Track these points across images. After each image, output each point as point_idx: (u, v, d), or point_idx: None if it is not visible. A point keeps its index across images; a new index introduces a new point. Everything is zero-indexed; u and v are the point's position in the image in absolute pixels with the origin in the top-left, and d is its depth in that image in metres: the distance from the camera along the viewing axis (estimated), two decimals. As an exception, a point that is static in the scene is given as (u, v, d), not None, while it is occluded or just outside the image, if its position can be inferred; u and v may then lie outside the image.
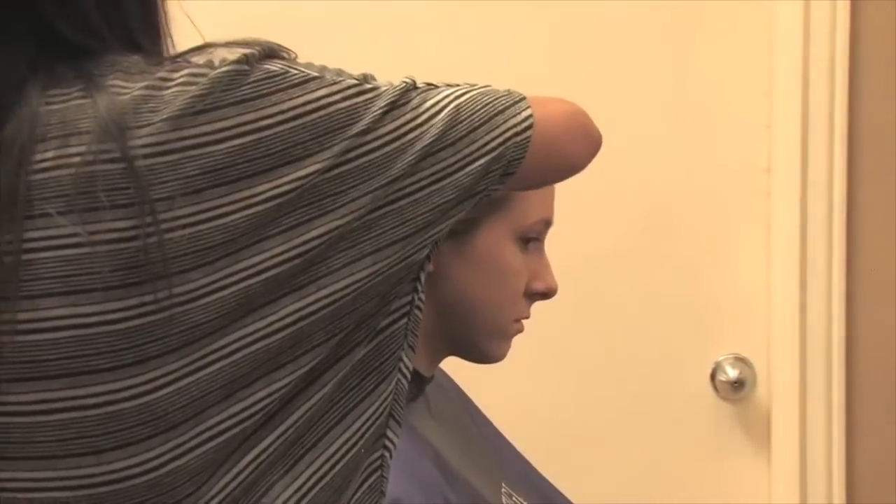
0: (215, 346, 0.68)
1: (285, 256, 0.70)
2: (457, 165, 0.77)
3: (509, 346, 1.15)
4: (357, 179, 0.72)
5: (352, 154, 0.72)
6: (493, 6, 1.74)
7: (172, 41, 0.78)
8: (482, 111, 0.79)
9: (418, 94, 0.78)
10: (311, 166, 0.70)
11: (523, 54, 1.74)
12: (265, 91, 0.70)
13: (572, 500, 1.26)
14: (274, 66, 0.72)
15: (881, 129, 1.73)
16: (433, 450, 1.09)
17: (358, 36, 1.72)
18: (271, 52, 0.73)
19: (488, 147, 0.79)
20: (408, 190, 0.74)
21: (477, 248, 1.09)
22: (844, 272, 1.73)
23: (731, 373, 1.77)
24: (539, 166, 0.84)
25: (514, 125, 0.81)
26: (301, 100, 0.71)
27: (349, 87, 0.74)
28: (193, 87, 0.69)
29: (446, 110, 0.77)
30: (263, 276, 0.69)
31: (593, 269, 1.76)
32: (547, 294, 1.15)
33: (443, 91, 0.80)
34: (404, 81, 0.78)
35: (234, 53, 0.72)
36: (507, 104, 0.81)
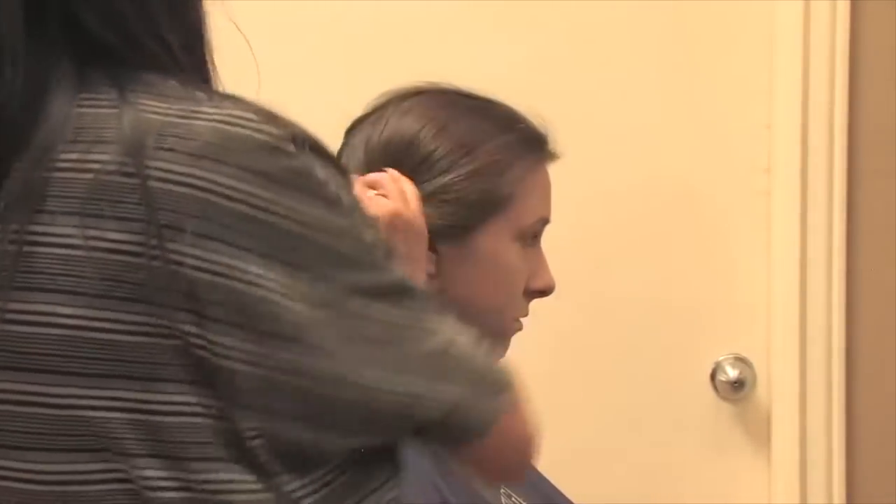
0: (175, 398, 0.67)
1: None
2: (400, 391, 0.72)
3: (509, 345, 1.15)
4: (331, 332, 0.68)
5: (339, 301, 0.69)
6: (494, 6, 1.74)
7: (209, 46, 0.76)
8: (468, 368, 0.75)
9: (424, 304, 0.74)
10: (299, 281, 0.67)
11: (523, 53, 1.74)
12: (294, 184, 0.68)
13: (572, 499, 1.26)
14: (320, 171, 0.69)
15: (881, 129, 1.73)
16: (431, 450, 1.09)
17: (357, 35, 1.72)
18: (322, 150, 0.71)
19: (444, 401, 0.73)
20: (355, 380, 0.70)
21: (479, 250, 1.09)
22: (844, 272, 1.73)
23: (731, 373, 1.77)
24: (472, 456, 0.81)
25: (483, 409, 0.76)
26: (323, 217, 0.69)
27: (373, 243, 0.72)
28: (231, 131, 0.67)
29: (441, 337, 0.74)
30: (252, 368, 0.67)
31: (593, 269, 1.76)
32: (545, 292, 1.15)
33: (449, 320, 0.75)
34: (416, 286, 0.74)
35: (285, 124, 0.70)
36: (494, 385, 0.77)
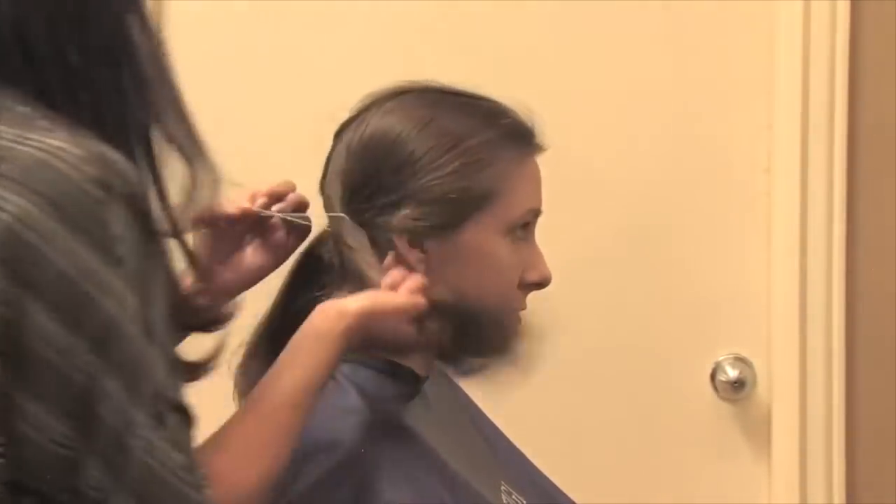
0: None
1: None
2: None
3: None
4: (52, 379, 0.69)
5: (77, 355, 0.69)
6: (494, 4, 1.74)
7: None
8: (158, 482, 0.73)
9: (155, 396, 0.73)
10: (54, 322, 0.68)
11: (524, 53, 1.74)
12: (84, 228, 0.69)
13: (572, 498, 1.26)
14: (120, 226, 0.70)
15: (881, 129, 1.73)
16: (431, 451, 1.09)
17: (353, 32, 1.72)
18: (140, 210, 0.72)
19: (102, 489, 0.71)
20: None
21: (466, 247, 1.09)
22: (844, 272, 1.73)
23: (731, 373, 1.77)
24: None
25: None
26: (96, 270, 0.69)
27: (133, 314, 0.71)
28: (46, 160, 0.69)
29: (144, 445, 0.72)
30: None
31: (593, 268, 1.76)
32: (541, 284, 1.14)
33: (162, 434, 0.73)
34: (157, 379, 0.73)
35: (110, 170, 0.70)
36: None
